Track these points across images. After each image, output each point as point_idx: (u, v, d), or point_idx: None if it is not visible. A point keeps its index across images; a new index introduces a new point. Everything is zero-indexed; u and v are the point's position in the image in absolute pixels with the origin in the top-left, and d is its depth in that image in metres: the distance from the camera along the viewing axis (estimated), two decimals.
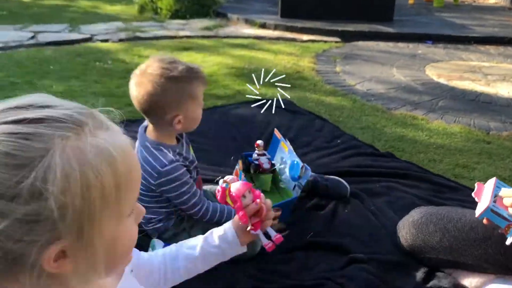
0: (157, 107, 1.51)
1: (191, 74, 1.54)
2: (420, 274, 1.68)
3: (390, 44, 5.46)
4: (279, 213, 1.85)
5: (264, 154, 2.04)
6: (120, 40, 5.15)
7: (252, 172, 2.00)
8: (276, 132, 2.11)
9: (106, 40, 5.14)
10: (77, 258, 0.58)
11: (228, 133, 2.81)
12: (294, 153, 1.96)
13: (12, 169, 0.53)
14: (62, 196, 0.54)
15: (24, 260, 0.55)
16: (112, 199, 0.59)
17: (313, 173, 2.12)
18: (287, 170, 1.98)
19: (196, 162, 1.75)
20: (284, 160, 2.01)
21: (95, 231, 0.58)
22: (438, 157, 2.61)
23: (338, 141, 2.74)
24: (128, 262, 0.72)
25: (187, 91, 1.53)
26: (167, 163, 1.55)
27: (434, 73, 4.30)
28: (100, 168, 0.57)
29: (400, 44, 5.47)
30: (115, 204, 0.60)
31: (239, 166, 2.07)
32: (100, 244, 0.60)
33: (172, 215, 1.72)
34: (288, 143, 2.03)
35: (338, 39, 5.49)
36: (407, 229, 1.75)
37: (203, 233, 1.70)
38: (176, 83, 1.50)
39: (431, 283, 1.64)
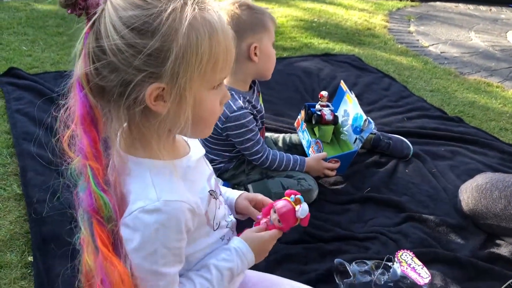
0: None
1: (262, 9, 1.61)
2: (478, 240, 1.64)
3: (471, 6, 5.12)
4: (337, 164, 1.85)
5: (327, 106, 2.02)
6: None
7: (314, 123, 1.99)
8: (342, 84, 2.07)
9: None
10: (170, 103, 0.73)
11: (292, 84, 2.78)
12: (359, 106, 1.92)
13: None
14: (169, 39, 0.69)
15: (132, 88, 0.71)
16: (204, 63, 0.72)
17: (376, 131, 2.09)
18: (349, 122, 1.95)
19: (263, 112, 1.78)
20: (347, 112, 1.98)
21: (186, 82, 0.72)
22: (511, 126, 2.47)
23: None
24: (206, 135, 0.86)
25: (260, 19, 1.57)
26: (236, 109, 1.59)
27: None
28: (203, 33, 0.71)
29: (482, 7, 5.11)
30: (206, 70, 0.74)
31: (301, 116, 2.06)
32: (189, 96, 0.74)
33: (234, 158, 1.76)
34: (354, 95, 1.99)
35: None
36: (469, 193, 1.70)
37: (260, 177, 1.76)
38: (249, 10, 1.55)
39: (488, 250, 1.60)
